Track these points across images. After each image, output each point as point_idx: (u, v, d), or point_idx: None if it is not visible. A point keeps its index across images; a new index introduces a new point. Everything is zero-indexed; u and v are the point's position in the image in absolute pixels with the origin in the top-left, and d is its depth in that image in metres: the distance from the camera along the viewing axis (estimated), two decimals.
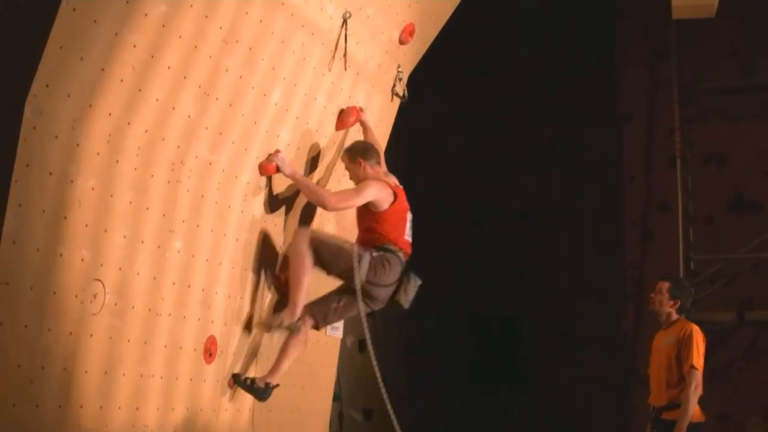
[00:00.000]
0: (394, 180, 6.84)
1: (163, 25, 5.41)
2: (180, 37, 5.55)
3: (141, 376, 5.69)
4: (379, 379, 6.46)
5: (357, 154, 6.72)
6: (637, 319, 11.01)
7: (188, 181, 5.93)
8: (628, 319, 11.09)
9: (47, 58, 4.76)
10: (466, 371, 11.61)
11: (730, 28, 10.65)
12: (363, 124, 7.22)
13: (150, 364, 5.76)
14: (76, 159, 5.08)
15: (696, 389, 6.88)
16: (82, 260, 5.20)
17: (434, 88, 8.75)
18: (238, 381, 6.44)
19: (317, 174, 7.11)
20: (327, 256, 6.45)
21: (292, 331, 6.47)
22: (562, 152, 11.74)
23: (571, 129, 11.65)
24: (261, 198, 6.60)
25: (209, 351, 6.22)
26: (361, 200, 6.51)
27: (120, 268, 5.47)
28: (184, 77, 5.69)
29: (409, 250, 6.69)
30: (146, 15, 5.28)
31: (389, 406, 6.45)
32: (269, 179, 6.61)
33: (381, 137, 7.60)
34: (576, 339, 11.26)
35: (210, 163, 6.09)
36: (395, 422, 6.47)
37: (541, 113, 11.79)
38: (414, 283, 6.63)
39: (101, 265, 5.33)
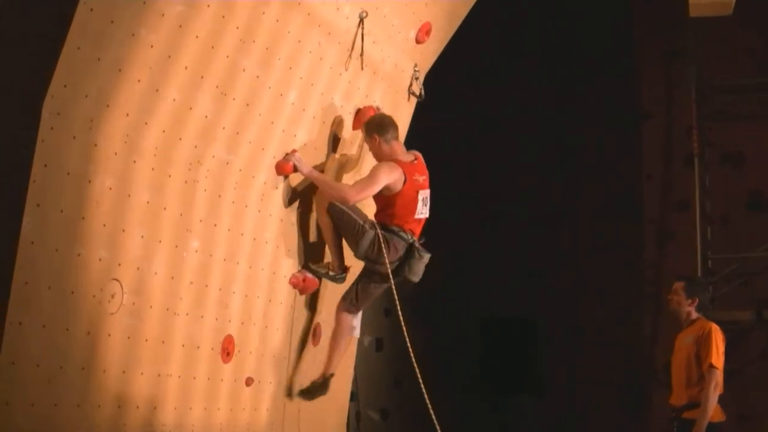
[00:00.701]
0: (412, 155, 6.78)
1: (180, 26, 5.41)
2: (197, 37, 5.56)
3: (159, 375, 5.70)
4: (408, 342, 6.63)
5: (372, 130, 6.73)
6: (655, 319, 10.95)
7: (205, 181, 5.93)
8: (646, 319, 11.03)
9: (65, 58, 4.77)
10: (480, 373, 11.59)
11: (747, 26, 10.58)
12: None
13: (168, 364, 5.76)
14: (94, 159, 5.09)
15: (716, 388, 6.84)
16: (100, 260, 5.21)
17: (449, 87, 8.72)
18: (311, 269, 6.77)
19: (334, 172, 7.10)
20: (339, 222, 6.60)
21: (337, 281, 6.82)
22: (579, 151, 11.71)
23: (588, 128, 11.62)
24: (278, 197, 6.59)
25: (227, 350, 6.22)
26: (377, 187, 6.54)
27: (138, 268, 5.48)
28: (201, 77, 5.69)
29: (418, 229, 6.76)
30: (163, 15, 5.28)
31: (417, 371, 6.53)
32: (286, 178, 6.61)
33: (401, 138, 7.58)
34: (593, 340, 11.22)
35: (227, 163, 6.09)
36: (423, 388, 6.49)
37: (559, 112, 11.76)
38: (420, 258, 6.70)
39: (119, 264, 5.34)
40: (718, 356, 6.90)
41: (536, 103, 11.65)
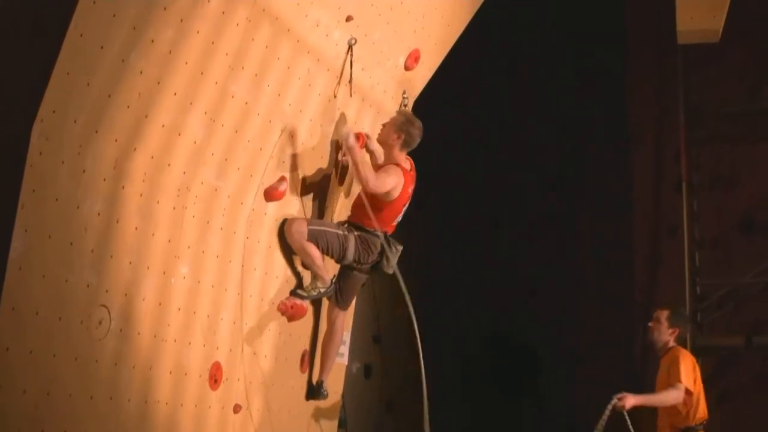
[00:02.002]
0: (410, 163, 7.01)
1: (170, 51, 5.45)
2: (186, 63, 5.59)
3: (146, 402, 5.69)
4: (407, 296, 6.74)
5: (404, 131, 6.88)
6: (645, 343, 10.98)
7: (194, 207, 5.95)
8: (637, 343, 11.07)
9: (54, 83, 4.79)
10: (478, 392, 11.59)
11: (735, 52, 10.68)
12: (369, 150, 7.24)
13: (155, 390, 5.75)
14: (83, 184, 5.11)
15: (676, 396, 6.86)
16: (88, 286, 5.21)
17: (443, 111, 8.78)
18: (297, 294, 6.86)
19: (321, 200, 7.13)
20: (323, 245, 6.76)
21: (329, 295, 6.99)
22: (570, 177, 11.77)
23: (578, 154, 11.69)
24: (267, 223, 6.61)
25: (215, 377, 6.21)
26: (387, 187, 6.77)
27: (126, 294, 5.48)
28: (191, 103, 5.72)
29: (391, 230, 7.02)
30: (153, 41, 5.31)
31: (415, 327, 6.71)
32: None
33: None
34: (584, 364, 11.24)
35: (216, 189, 6.11)
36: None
37: (550, 137, 11.82)
38: (395, 250, 6.95)
39: (107, 290, 5.34)
40: (686, 376, 6.90)
41: (526, 129, 11.72)
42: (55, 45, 4.76)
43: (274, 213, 6.66)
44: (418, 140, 6.95)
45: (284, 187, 6.66)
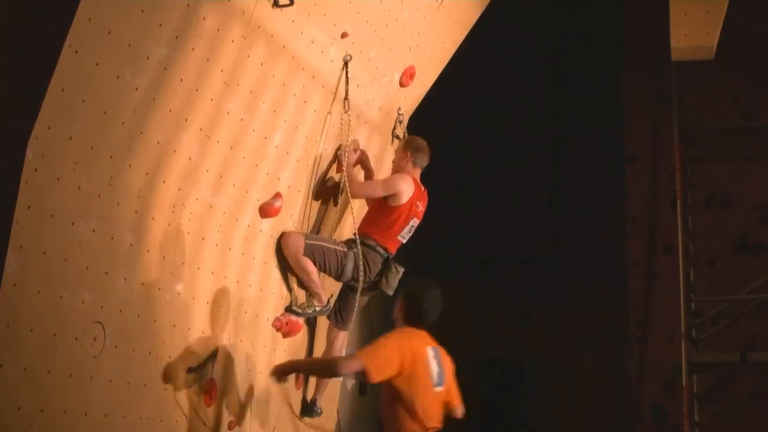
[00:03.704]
0: (423, 187, 7.10)
1: (165, 68, 5.47)
2: (181, 80, 5.61)
3: (141, 419, 5.68)
4: None
5: (409, 148, 7.08)
6: (641, 362, 10.99)
7: (189, 224, 5.96)
8: (632, 361, 11.07)
9: (49, 100, 4.81)
10: (470, 417, 11.55)
11: (730, 70, 10.72)
12: (364, 166, 7.27)
13: (150, 407, 5.75)
14: (78, 201, 5.12)
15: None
16: (83, 302, 5.21)
17: (436, 132, 8.81)
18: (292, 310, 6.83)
19: (318, 216, 7.14)
20: (320, 260, 6.78)
21: (325, 313, 6.98)
22: (565, 195, 11.77)
23: (574, 171, 11.70)
24: (262, 240, 6.62)
25: (209, 394, 6.21)
26: (388, 190, 6.88)
27: (120, 311, 5.49)
28: (186, 120, 5.74)
29: (395, 249, 7.03)
30: (148, 58, 5.33)
31: None
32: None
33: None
34: (578, 383, 11.22)
35: (211, 206, 6.12)
36: None
37: (544, 156, 11.83)
38: (396, 272, 6.98)
39: (102, 307, 5.34)
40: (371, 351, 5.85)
41: (522, 148, 11.73)
42: (50, 61, 4.77)
43: (269, 229, 6.67)
44: (426, 153, 7.11)
45: (279, 203, 6.67)
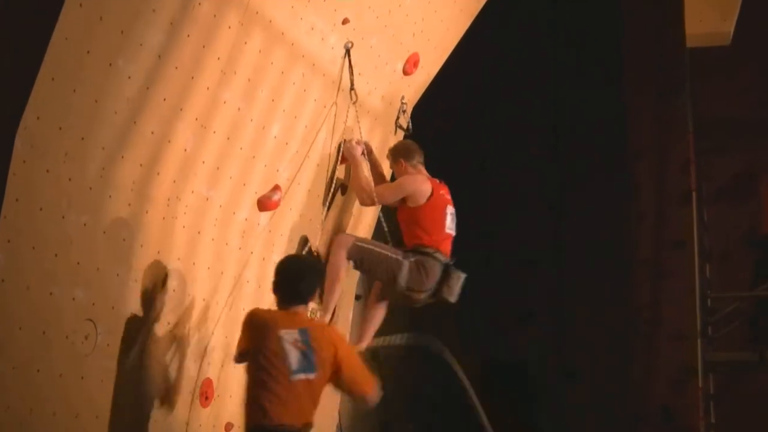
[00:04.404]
0: (437, 180, 7.07)
1: (159, 56, 5.43)
2: (176, 68, 5.57)
3: (135, 420, 5.66)
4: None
5: (399, 155, 7.07)
6: (650, 361, 10.98)
7: (184, 218, 5.93)
8: (640, 362, 11.06)
9: (39, 89, 4.76)
10: (474, 418, 11.55)
11: (744, 58, 10.68)
12: (369, 160, 7.25)
13: (145, 408, 5.73)
14: (68, 194, 5.08)
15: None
16: (74, 299, 5.18)
17: (439, 126, 8.82)
18: None
19: (315, 209, 7.12)
20: (369, 265, 6.77)
21: None
22: (570, 190, 11.78)
23: (579, 166, 11.69)
24: (260, 234, 6.59)
25: (205, 394, 6.19)
26: (401, 193, 6.86)
27: (113, 308, 5.46)
28: (181, 109, 5.70)
29: (449, 248, 6.94)
30: (141, 45, 5.30)
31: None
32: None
33: (385, 172, 7.62)
34: (586, 383, 11.23)
35: (207, 199, 6.09)
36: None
37: (548, 148, 11.82)
38: (457, 278, 6.87)
39: (93, 304, 5.31)
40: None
41: (526, 141, 11.72)
42: (39, 49, 4.74)
43: (267, 224, 6.64)
44: (415, 150, 7.07)
45: (278, 196, 6.64)
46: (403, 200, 6.93)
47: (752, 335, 10.41)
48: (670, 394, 10.89)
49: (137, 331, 5.64)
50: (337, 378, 5.49)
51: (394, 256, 6.77)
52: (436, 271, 6.83)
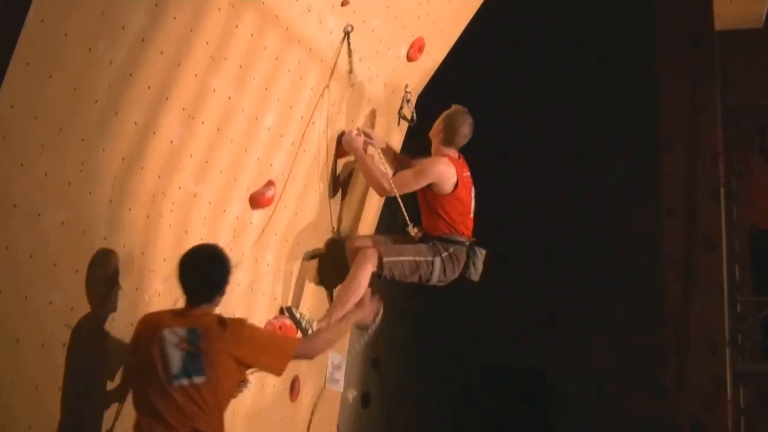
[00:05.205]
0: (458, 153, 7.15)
1: (143, 40, 5.43)
2: (162, 53, 5.57)
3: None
4: None
5: (445, 119, 7.11)
6: (679, 370, 10.98)
7: (170, 215, 5.93)
8: (669, 369, 11.05)
9: (12, 75, 4.76)
10: (488, 429, 11.59)
11: None
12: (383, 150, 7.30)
13: (127, 423, 5.71)
14: (44, 189, 5.08)
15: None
16: (50, 303, 5.18)
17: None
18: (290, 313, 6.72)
19: (314, 207, 7.12)
20: (400, 276, 6.88)
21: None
22: (594, 184, 11.79)
23: (603, 158, 11.70)
24: (252, 234, 6.59)
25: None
26: (425, 181, 6.94)
27: (93, 313, 5.44)
28: (167, 98, 5.70)
29: (471, 227, 7.11)
30: (124, 28, 5.30)
31: None
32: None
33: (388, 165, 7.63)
34: (610, 393, 11.24)
35: (195, 195, 6.10)
36: None
37: (569, 140, 11.83)
38: (481, 255, 7.08)
39: (72, 309, 5.31)
40: None
41: (547, 132, 11.74)
42: (12, 32, 4.73)
43: (260, 222, 6.64)
44: (462, 136, 7.12)
45: (272, 192, 6.65)
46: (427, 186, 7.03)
47: None
48: (698, 406, 10.88)
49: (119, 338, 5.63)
50: (247, 368, 5.46)
51: (424, 258, 6.89)
52: (464, 255, 7.02)
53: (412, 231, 7.01)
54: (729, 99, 10.90)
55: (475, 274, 7.10)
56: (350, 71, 6.97)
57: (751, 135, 10.65)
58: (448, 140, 7.10)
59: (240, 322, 5.50)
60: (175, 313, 5.45)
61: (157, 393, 5.18)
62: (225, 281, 5.54)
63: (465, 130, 7.12)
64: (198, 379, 5.20)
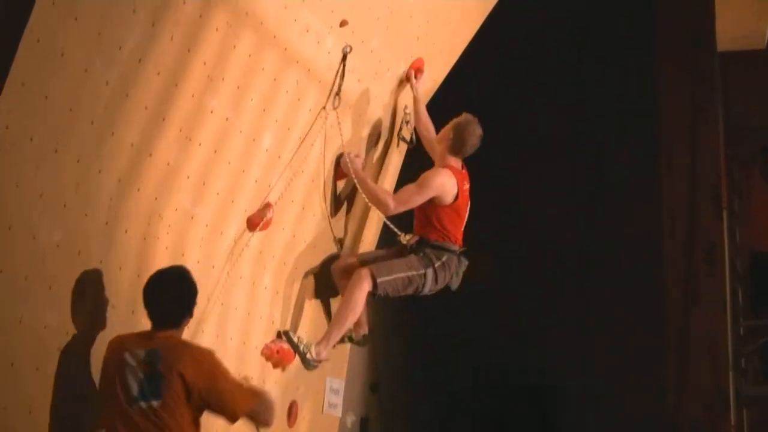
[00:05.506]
0: (461, 162, 7.15)
1: (140, 60, 5.43)
2: (158, 73, 5.57)
3: None
4: None
5: (453, 128, 7.07)
6: (679, 389, 10.94)
7: (167, 237, 5.92)
8: (671, 390, 11.02)
9: (7, 96, 4.75)
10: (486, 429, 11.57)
11: None
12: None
13: None
14: (40, 211, 5.06)
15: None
16: (45, 327, 5.16)
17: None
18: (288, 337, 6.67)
19: (313, 229, 7.10)
20: (394, 293, 6.88)
21: (307, 363, 6.69)
22: (595, 202, 11.80)
23: (605, 175, 11.72)
24: (250, 256, 6.57)
25: None
26: (427, 195, 6.92)
27: (89, 337, 5.42)
28: (163, 119, 5.70)
29: (461, 239, 7.13)
30: (120, 48, 5.30)
31: None
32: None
33: (388, 187, 7.63)
34: (612, 392, 11.23)
35: (192, 217, 6.08)
36: None
37: (569, 156, 11.86)
38: (464, 265, 7.11)
39: (67, 333, 5.29)
40: None
41: (552, 149, 11.75)
42: (8, 52, 4.72)
43: (258, 244, 6.62)
44: (469, 145, 7.09)
45: (270, 214, 6.64)
46: None
47: None
48: (698, 406, 10.84)
49: None
50: (201, 402, 5.25)
51: (416, 272, 6.88)
52: (454, 265, 7.04)
53: (404, 239, 7.00)
54: (731, 118, 10.90)
55: (457, 282, 7.13)
56: (337, 93, 6.94)
57: (754, 155, 10.64)
58: (455, 150, 7.08)
59: (208, 352, 5.42)
60: (139, 336, 5.38)
61: (119, 416, 5.15)
62: (192, 303, 5.49)
63: (474, 141, 7.10)
64: (155, 402, 5.16)
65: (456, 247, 7.05)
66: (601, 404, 11.40)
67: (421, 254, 6.95)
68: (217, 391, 5.26)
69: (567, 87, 11.91)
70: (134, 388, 5.18)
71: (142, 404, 5.14)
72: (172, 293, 5.43)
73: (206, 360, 5.32)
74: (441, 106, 8.00)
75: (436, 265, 6.93)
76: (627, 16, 11.61)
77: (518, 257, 11.73)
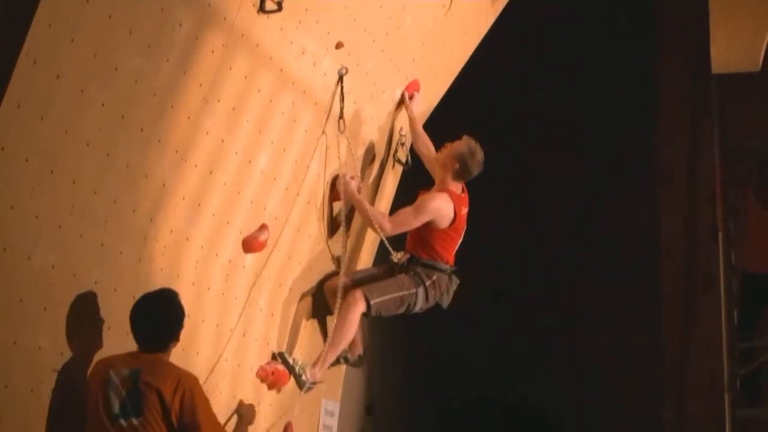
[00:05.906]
0: (461, 186, 7.20)
1: (136, 81, 5.45)
2: (154, 94, 5.60)
3: None
4: None
5: (459, 158, 7.07)
6: (677, 412, 10.95)
7: (162, 259, 5.92)
8: (668, 410, 11.04)
9: (3, 117, 4.77)
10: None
11: None
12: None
13: None
14: (35, 232, 5.07)
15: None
16: (40, 348, 5.16)
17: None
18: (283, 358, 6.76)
19: (308, 250, 7.11)
20: (386, 313, 7.01)
21: (302, 385, 6.80)
22: (590, 222, 11.79)
23: (601, 196, 11.73)
24: (245, 278, 6.58)
25: None
26: (424, 219, 7.00)
27: (83, 359, 5.42)
28: (159, 140, 5.72)
29: (452, 260, 7.21)
30: (116, 69, 5.32)
31: None
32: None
33: (384, 208, 7.65)
34: (612, 394, 11.22)
35: (187, 239, 6.10)
36: None
37: (567, 178, 11.86)
38: (455, 284, 7.21)
39: (61, 354, 5.29)
40: None
41: (548, 172, 11.75)
42: (4, 73, 4.74)
43: (253, 266, 6.63)
44: (474, 174, 7.15)
45: (265, 236, 6.65)
46: None
47: None
48: (698, 406, 10.85)
49: None
50: (178, 426, 5.25)
51: (407, 292, 6.99)
52: (444, 284, 7.14)
53: (396, 257, 7.06)
54: (728, 140, 10.93)
55: (447, 300, 7.21)
56: (341, 117, 6.98)
57: (749, 175, 10.64)
58: (459, 176, 7.13)
59: (192, 378, 5.43)
60: (126, 356, 5.41)
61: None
62: (179, 327, 5.53)
63: (477, 169, 7.15)
64: (136, 420, 5.19)
65: (447, 267, 7.11)
66: (600, 400, 11.36)
67: (412, 273, 7.03)
68: (192, 427, 5.28)
69: (567, 82, 11.88)
70: (116, 406, 5.21)
71: (123, 422, 5.18)
72: (159, 317, 5.47)
73: (189, 386, 5.35)
74: (443, 103, 8.05)
75: (427, 284, 7.02)
76: (625, 42, 11.63)
77: (518, 257, 11.70)
